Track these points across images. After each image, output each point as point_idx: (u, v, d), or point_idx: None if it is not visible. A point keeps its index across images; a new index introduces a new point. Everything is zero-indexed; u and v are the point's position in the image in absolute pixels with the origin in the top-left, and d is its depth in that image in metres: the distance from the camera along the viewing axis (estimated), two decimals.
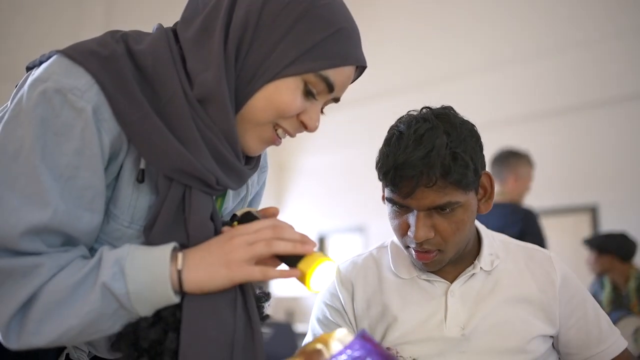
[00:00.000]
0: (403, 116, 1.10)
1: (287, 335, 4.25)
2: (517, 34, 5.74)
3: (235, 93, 0.83)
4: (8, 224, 0.71)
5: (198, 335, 0.78)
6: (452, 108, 1.09)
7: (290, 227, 0.83)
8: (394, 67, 6.42)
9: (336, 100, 0.90)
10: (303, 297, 6.68)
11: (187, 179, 0.81)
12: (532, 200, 5.53)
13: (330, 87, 0.85)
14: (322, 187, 7.19)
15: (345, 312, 1.15)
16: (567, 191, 5.42)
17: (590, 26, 5.34)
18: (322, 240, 7.23)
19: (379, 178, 1.07)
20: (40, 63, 0.82)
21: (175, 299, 0.77)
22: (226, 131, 0.82)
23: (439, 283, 1.12)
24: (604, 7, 5.27)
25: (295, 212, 7.44)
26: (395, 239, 1.20)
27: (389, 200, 1.06)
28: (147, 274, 0.75)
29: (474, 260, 1.13)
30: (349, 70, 0.86)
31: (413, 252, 1.07)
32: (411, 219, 1.04)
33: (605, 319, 1.16)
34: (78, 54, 0.78)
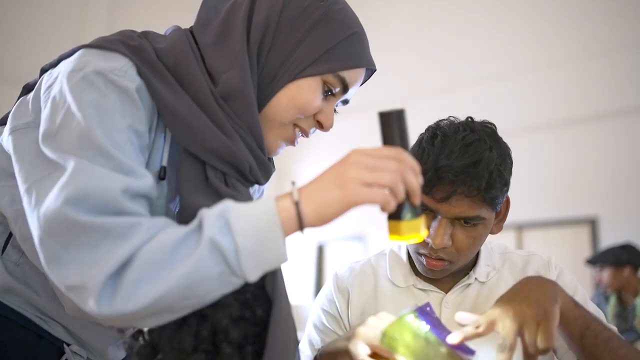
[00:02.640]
0: (443, 120, 1.07)
1: None
2: (521, 45, 5.76)
3: (258, 92, 0.85)
4: (106, 186, 0.69)
5: (283, 336, 0.77)
6: (494, 125, 1.07)
7: (414, 168, 0.74)
8: (396, 77, 6.43)
9: (345, 102, 0.93)
10: (301, 306, 6.66)
11: (222, 164, 0.81)
12: (532, 212, 5.55)
13: (345, 88, 0.89)
14: None
15: (341, 318, 1.15)
16: (567, 203, 5.42)
17: (593, 39, 5.35)
18: (320, 249, 7.22)
19: None
20: (58, 62, 0.82)
21: (286, 253, 0.71)
22: (252, 127, 0.84)
23: (434, 293, 1.12)
24: (609, 20, 5.29)
25: None
26: (394, 247, 1.20)
27: None
28: (254, 225, 0.69)
29: (470, 270, 1.13)
30: (361, 71, 0.91)
31: (423, 258, 1.06)
32: (433, 223, 1.02)
33: (598, 313, 1.11)
34: (107, 43, 0.79)
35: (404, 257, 1.17)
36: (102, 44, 0.79)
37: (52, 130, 0.73)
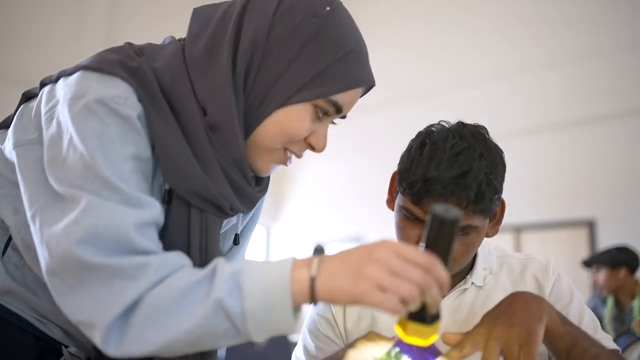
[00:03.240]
0: (434, 125, 1.05)
1: (281, 345, 4.23)
2: (518, 46, 5.76)
3: (244, 118, 0.82)
4: (116, 223, 0.69)
5: None
6: (485, 128, 1.05)
7: (441, 283, 0.68)
8: (396, 79, 6.43)
9: (343, 117, 0.89)
10: None
11: (203, 204, 0.81)
12: (530, 214, 5.56)
13: (339, 110, 0.84)
14: (320, 197, 7.19)
15: (336, 324, 1.14)
16: (565, 205, 5.43)
17: (591, 41, 5.36)
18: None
19: (399, 184, 1.01)
20: (57, 79, 0.81)
21: (293, 323, 0.69)
22: (236, 159, 0.82)
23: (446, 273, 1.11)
24: (607, 21, 5.29)
25: (293, 221, 7.43)
26: None
27: (406, 210, 1.00)
28: (265, 293, 0.68)
29: (467, 275, 1.11)
30: (357, 90, 0.85)
31: None
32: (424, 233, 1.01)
33: (590, 319, 1.09)
34: (106, 66, 0.77)
35: None
36: (101, 67, 0.77)
37: (57, 161, 0.73)
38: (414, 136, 1.06)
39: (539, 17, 5.64)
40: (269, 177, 0.96)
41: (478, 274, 1.11)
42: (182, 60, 0.82)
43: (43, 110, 0.78)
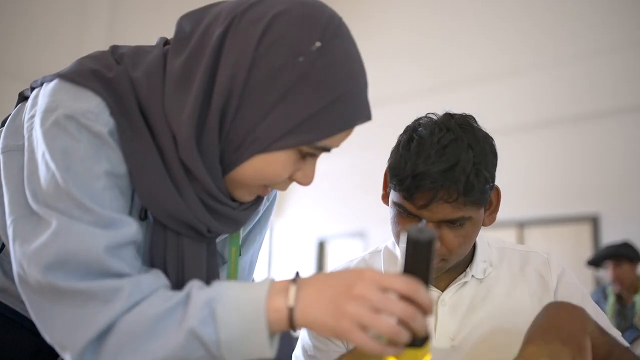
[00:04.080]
0: (422, 118, 1.04)
1: (284, 339, 4.24)
2: (522, 42, 5.75)
3: (222, 156, 0.76)
4: (87, 246, 0.68)
5: None
6: (473, 117, 1.05)
7: (426, 309, 0.66)
8: (401, 74, 6.42)
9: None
10: None
11: (178, 226, 0.77)
12: (533, 210, 5.55)
13: (327, 151, 0.78)
14: (323, 192, 7.18)
15: None
16: (569, 201, 5.41)
17: (602, 35, 5.34)
18: (322, 246, 7.22)
19: (390, 181, 1.01)
20: (42, 83, 0.79)
21: (270, 350, 0.67)
22: (206, 189, 0.77)
23: (430, 292, 1.11)
24: (610, 18, 5.27)
25: (296, 217, 7.43)
26: (389, 244, 1.18)
27: (399, 206, 1.00)
28: (241, 322, 0.66)
29: (467, 267, 1.11)
30: (348, 131, 0.78)
31: None
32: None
33: (603, 319, 1.12)
34: (81, 77, 0.75)
35: (399, 254, 1.15)
36: (76, 78, 0.74)
37: (33, 176, 0.72)
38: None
39: (543, 12, 5.62)
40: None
41: (478, 267, 1.10)
42: (162, 72, 0.77)
43: (27, 117, 0.77)
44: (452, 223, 0.98)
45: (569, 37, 5.51)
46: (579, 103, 5.43)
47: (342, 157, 7.01)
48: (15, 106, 0.85)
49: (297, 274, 0.71)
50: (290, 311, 0.66)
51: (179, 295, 0.69)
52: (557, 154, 5.53)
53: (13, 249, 0.71)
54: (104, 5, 5.78)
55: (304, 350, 1.15)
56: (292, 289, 0.67)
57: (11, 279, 0.85)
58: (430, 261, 0.69)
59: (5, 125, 0.82)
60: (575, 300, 1.08)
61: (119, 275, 0.69)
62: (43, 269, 0.67)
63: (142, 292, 0.69)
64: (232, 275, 0.90)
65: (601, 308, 3.30)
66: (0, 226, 0.82)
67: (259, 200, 0.88)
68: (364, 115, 0.78)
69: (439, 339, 1.06)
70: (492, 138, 1.04)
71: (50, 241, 0.67)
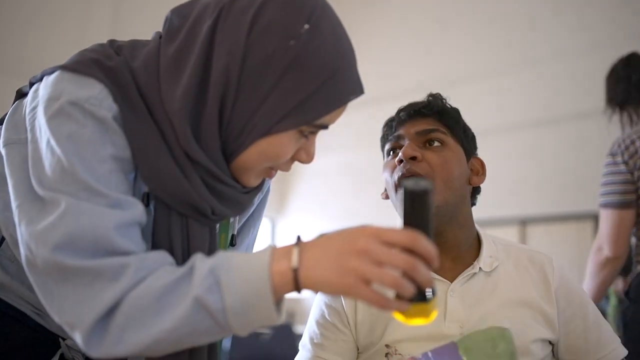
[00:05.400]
0: None
1: (286, 335, 4.25)
2: (522, 39, 5.74)
3: (225, 145, 0.79)
4: (95, 225, 0.69)
5: None
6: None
7: (429, 257, 0.68)
8: (401, 71, 6.42)
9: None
10: (304, 298, 6.68)
11: (183, 207, 0.79)
12: (536, 208, 5.54)
13: (325, 128, 0.81)
14: (325, 189, 7.19)
15: (346, 314, 1.15)
16: (571, 198, 5.41)
17: (597, 31, 5.33)
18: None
19: (382, 145, 1.20)
20: (42, 77, 0.80)
21: (276, 316, 0.68)
22: (209, 171, 0.79)
23: (439, 282, 1.12)
24: (611, 14, 5.26)
25: (298, 214, 7.44)
26: None
27: (390, 149, 1.17)
28: (245, 287, 0.67)
29: (474, 261, 1.13)
30: (344, 106, 0.81)
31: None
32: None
33: (605, 325, 1.15)
34: (82, 66, 0.76)
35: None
36: (78, 67, 0.76)
37: (38, 163, 0.73)
38: None
39: (540, 10, 5.61)
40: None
41: (485, 260, 1.13)
42: (157, 62, 0.79)
43: (28, 110, 0.78)
44: (429, 137, 1.13)
45: (567, 33, 5.49)
46: (582, 99, 5.42)
47: (346, 154, 7.02)
48: (13, 103, 0.86)
49: (299, 237, 0.71)
50: (295, 272, 0.67)
51: (184, 267, 0.70)
52: (560, 152, 5.52)
53: (19, 232, 0.72)
54: (106, 2, 5.79)
55: (311, 339, 1.16)
56: (295, 251, 0.68)
57: (10, 275, 0.85)
58: (429, 211, 0.69)
59: (5, 121, 0.83)
60: (574, 305, 1.12)
61: (126, 253, 0.70)
62: (51, 248, 0.68)
63: (147, 268, 0.70)
64: None
65: (603, 308, 3.31)
66: (1, 221, 0.83)
67: (261, 184, 0.90)
68: (357, 90, 0.81)
69: (449, 325, 1.08)
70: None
71: (58, 221, 0.68)
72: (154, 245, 0.79)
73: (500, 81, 5.85)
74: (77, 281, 0.68)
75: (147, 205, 0.79)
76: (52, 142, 0.72)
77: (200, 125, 0.77)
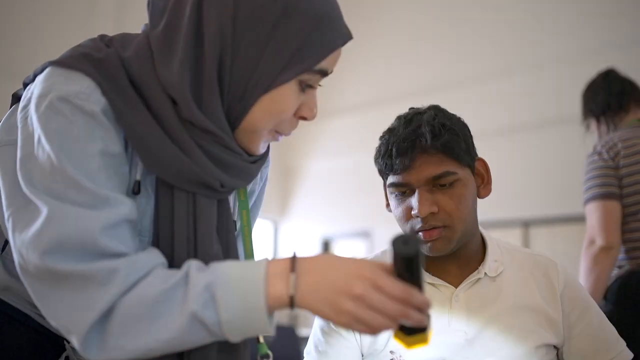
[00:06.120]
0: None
1: (290, 338, 4.24)
2: (520, 42, 5.73)
3: (229, 110, 0.80)
4: (82, 228, 0.69)
5: None
6: (438, 105, 1.17)
7: (423, 307, 0.71)
8: (402, 73, 6.42)
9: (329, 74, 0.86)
10: None
11: (189, 185, 0.79)
12: (538, 209, 5.53)
13: (324, 74, 0.82)
14: (328, 191, 7.19)
15: None
16: (574, 200, 5.38)
17: (599, 34, 5.32)
18: (326, 245, 7.22)
19: (379, 170, 1.13)
20: (34, 77, 0.80)
21: (270, 329, 0.72)
22: (217, 139, 0.80)
23: (444, 287, 1.12)
24: (601, 19, 5.25)
25: (300, 216, 7.44)
26: None
27: (391, 185, 1.10)
28: (240, 302, 0.69)
29: (479, 266, 1.13)
30: (338, 51, 0.82)
31: (420, 234, 1.07)
32: (413, 200, 1.06)
33: (610, 328, 1.15)
34: (71, 60, 0.77)
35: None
36: (67, 61, 0.77)
37: (27, 161, 0.73)
38: None
39: (527, 18, 5.61)
40: (268, 146, 0.93)
41: (490, 265, 1.13)
42: (148, 47, 0.80)
43: (19, 110, 0.78)
44: (440, 184, 1.05)
45: (567, 36, 5.49)
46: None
47: (348, 157, 7.01)
48: (10, 107, 0.86)
49: (295, 256, 0.73)
50: (291, 298, 0.70)
51: (177, 275, 0.71)
52: (561, 153, 5.51)
53: (12, 239, 0.73)
54: (109, 3, 5.80)
55: (315, 346, 1.16)
56: (292, 278, 0.71)
57: (14, 277, 0.85)
58: (420, 269, 0.72)
59: (1, 123, 0.83)
60: (579, 309, 1.12)
61: (116, 255, 0.71)
62: (40, 254, 0.68)
63: (138, 272, 0.71)
64: (247, 237, 0.94)
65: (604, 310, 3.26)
66: (1, 223, 0.83)
67: (266, 154, 0.92)
68: (347, 34, 0.83)
69: (454, 332, 1.08)
70: (460, 116, 1.16)
71: (44, 227, 0.69)
72: (157, 230, 0.80)
73: (502, 83, 5.84)
74: (69, 286, 0.69)
75: (137, 192, 0.80)
76: (42, 139, 0.72)
77: (202, 94, 0.78)
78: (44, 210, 0.70)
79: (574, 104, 5.67)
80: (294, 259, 0.72)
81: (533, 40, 5.72)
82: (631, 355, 1.14)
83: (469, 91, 5.86)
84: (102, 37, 0.84)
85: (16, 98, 0.86)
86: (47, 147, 0.72)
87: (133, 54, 0.79)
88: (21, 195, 0.73)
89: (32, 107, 0.75)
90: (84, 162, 0.72)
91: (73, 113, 0.73)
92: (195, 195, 0.80)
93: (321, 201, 7.27)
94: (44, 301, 0.71)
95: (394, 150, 1.07)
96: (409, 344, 0.74)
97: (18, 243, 0.71)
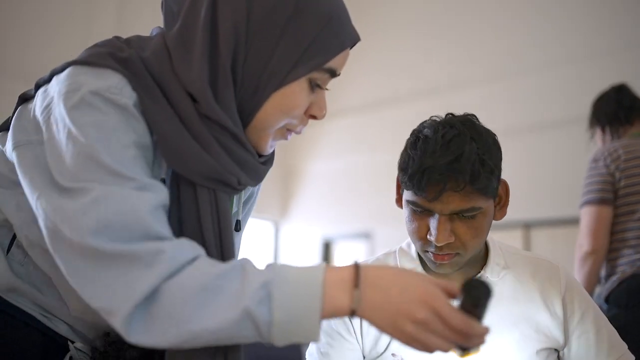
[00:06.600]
0: (426, 121, 1.09)
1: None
2: (527, 43, 5.73)
3: (241, 106, 0.82)
4: (130, 208, 0.71)
5: None
6: (475, 116, 1.10)
7: (480, 339, 0.73)
8: (402, 74, 6.42)
9: (338, 75, 0.88)
10: None
11: (210, 182, 0.81)
12: (539, 211, 5.53)
13: (333, 74, 0.85)
14: (329, 192, 7.18)
15: (351, 322, 1.14)
16: (575, 202, 5.35)
17: (607, 35, 5.32)
18: (327, 246, 7.22)
19: (401, 180, 1.07)
20: (50, 77, 0.81)
21: (318, 337, 0.71)
22: (234, 135, 0.82)
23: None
24: (608, 21, 5.25)
25: (301, 217, 7.44)
26: (404, 245, 1.20)
27: (411, 203, 1.05)
28: (296, 305, 0.69)
29: (481, 269, 1.13)
30: (346, 51, 0.85)
31: (431, 254, 1.07)
32: (432, 222, 1.04)
33: (612, 331, 1.15)
34: (97, 58, 0.78)
35: (414, 253, 1.17)
36: (92, 60, 0.78)
37: (59, 156, 0.73)
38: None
39: (534, 20, 5.61)
40: (273, 150, 0.95)
41: (493, 268, 1.13)
42: (165, 48, 0.82)
43: (39, 110, 0.79)
44: (463, 215, 1.02)
45: (575, 37, 5.49)
46: (585, 103, 5.41)
47: (349, 158, 7.02)
48: (15, 108, 0.86)
49: (357, 268, 0.73)
50: (353, 310, 0.71)
51: (229, 267, 0.72)
52: (563, 155, 5.51)
53: (44, 221, 0.73)
54: (111, 3, 5.80)
55: (318, 348, 1.16)
56: (356, 293, 0.71)
57: (21, 278, 0.86)
58: (486, 307, 0.73)
59: (11, 125, 0.83)
60: (581, 312, 1.12)
61: (160, 237, 0.72)
62: (86, 233, 0.69)
63: (184, 256, 0.71)
64: None
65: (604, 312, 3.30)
66: (16, 223, 0.83)
67: (272, 157, 0.94)
68: (355, 36, 0.87)
69: None
70: (494, 133, 1.09)
71: (90, 206, 0.69)
72: (181, 226, 0.81)
73: (504, 84, 5.84)
74: (113, 267, 0.69)
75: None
76: (75, 132, 0.73)
77: (217, 90, 0.80)
78: (91, 191, 0.70)
79: (577, 106, 5.67)
80: (357, 272, 0.72)
81: (535, 41, 5.72)
82: (633, 358, 1.14)
83: (471, 93, 5.86)
84: (118, 38, 0.85)
85: (23, 99, 0.86)
86: (81, 139, 0.72)
87: (151, 54, 0.81)
88: (51, 181, 0.73)
89: (59, 103, 0.75)
90: (121, 152, 0.73)
91: (106, 106, 0.74)
92: (215, 192, 0.82)
93: (322, 202, 7.26)
94: (81, 282, 0.71)
95: (424, 177, 1.00)
96: (462, 356, 0.75)
97: (56, 221, 0.71)
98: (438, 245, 1.03)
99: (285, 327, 0.69)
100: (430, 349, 0.71)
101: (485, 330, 0.72)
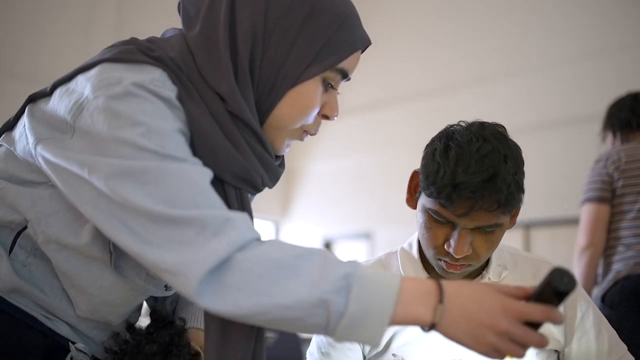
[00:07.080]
0: (454, 126, 1.06)
1: (291, 340, 4.24)
2: (523, 44, 5.73)
3: (258, 104, 0.84)
4: (194, 178, 0.73)
5: None
6: (504, 127, 1.07)
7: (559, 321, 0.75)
8: (403, 75, 6.43)
9: (348, 79, 0.90)
10: None
11: (238, 181, 0.84)
12: (539, 211, 5.53)
13: (345, 75, 0.87)
14: (329, 193, 7.19)
15: None
16: (575, 202, 5.35)
17: (603, 36, 5.32)
18: (328, 246, 7.23)
19: (425, 187, 1.02)
20: (72, 77, 0.80)
21: (380, 341, 0.72)
22: (257, 135, 0.84)
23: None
24: (615, 19, 5.25)
25: (302, 217, 7.44)
26: (405, 246, 1.20)
27: (433, 212, 1.02)
28: (372, 303, 0.70)
29: (483, 270, 1.13)
30: (358, 53, 0.88)
31: (443, 263, 1.06)
32: (453, 234, 1.02)
33: (612, 332, 1.15)
34: (129, 55, 0.79)
35: (415, 254, 1.16)
36: (125, 57, 0.79)
37: (106, 146, 0.73)
38: (424, 133, 1.08)
39: (537, 16, 5.61)
40: (283, 161, 0.97)
41: (494, 270, 1.13)
42: (187, 48, 0.83)
43: (66, 108, 0.77)
44: (485, 229, 1.01)
45: (574, 37, 5.49)
46: (585, 104, 5.42)
47: (350, 158, 7.02)
48: (22, 108, 0.84)
49: (441, 285, 0.73)
50: (433, 325, 0.72)
51: (309, 250, 0.73)
52: (563, 155, 5.51)
53: (99, 185, 0.72)
54: (110, 2, 5.80)
55: (318, 348, 1.16)
56: (440, 308, 0.71)
57: (23, 278, 0.85)
58: (560, 304, 0.73)
59: (25, 124, 0.82)
60: (581, 313, 1.12)
61: (224, 207, 0.74)
62: (154, 204, 0.70)
63: (251, 231, 0.73)
64: None
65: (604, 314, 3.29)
66: (33, 218, 0.83)
67: (283, 161, 0.96)
68: (367, 39, 0.90)
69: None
70: (519, 147, 1.07)
71: (157, 180, 0.71)
72: None
73: (503, 84, 5.84)
74: (183, 230, 0.70)
75: None
76: (122, 121, 0.72)
77: (239, 89, 0.82)
78: (151, 171, 0.71)
79: (576, 106, 5.68)
80: (441, 287, 0.72)
81: (535, 42, 5.72)
82: (632, 359, 1.14)
83: (471, 93, 5.86)
84: (136, 40, 0.85)
85: (30, 99, 0.84)
86: (128, 126, 0.72)
87: (177, 55, 0.83)
88: (103, 166, 0.72)
89: (98, 97, 0.74)
90: (171, 136, 0.75)
91: (151, 96, 0.75)
92: (241, 191, 0.85)
93: (323, 202, 7.27)
94: (148, 246, 0.71)
95: (455, 192, 0.96)
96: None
97: (123, 200, 0.71)
98: (456, 257, 1.02)
99: (353, 322, 0.69)
100: (506, 355, 0.72)
101: (561, 316, 0.73)
